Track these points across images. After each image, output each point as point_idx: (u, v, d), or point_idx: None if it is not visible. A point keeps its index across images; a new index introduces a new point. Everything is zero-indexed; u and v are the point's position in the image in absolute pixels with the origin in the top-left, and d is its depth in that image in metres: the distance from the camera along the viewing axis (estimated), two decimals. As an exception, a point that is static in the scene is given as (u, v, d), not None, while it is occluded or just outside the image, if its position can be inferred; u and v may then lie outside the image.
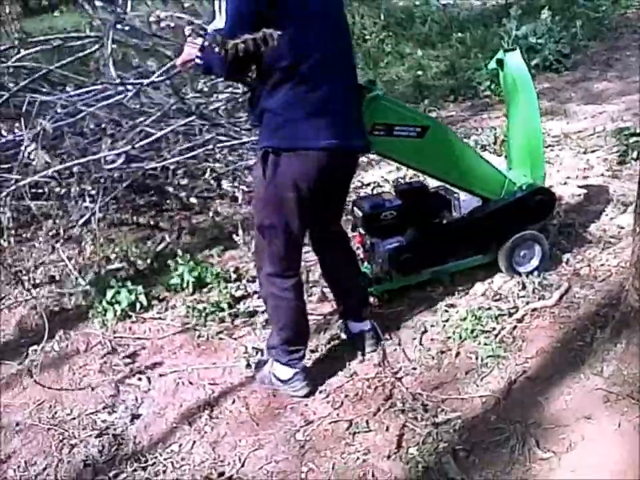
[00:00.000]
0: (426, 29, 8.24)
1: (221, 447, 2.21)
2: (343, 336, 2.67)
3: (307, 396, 2.38)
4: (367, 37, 7.81)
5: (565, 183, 4.00)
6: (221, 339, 2.81)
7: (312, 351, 2.61)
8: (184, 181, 4.43)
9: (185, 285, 3.14)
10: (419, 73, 6.72)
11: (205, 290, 3.14)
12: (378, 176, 4.33)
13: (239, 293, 3.10)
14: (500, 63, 3.02)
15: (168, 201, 4.28)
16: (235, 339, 2.80)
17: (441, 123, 2.75)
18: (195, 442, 2.24)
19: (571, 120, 5.16)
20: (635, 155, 4.17)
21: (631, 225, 3.38)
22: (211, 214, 4.14)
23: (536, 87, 3.12)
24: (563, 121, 5.15)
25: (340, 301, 2.64)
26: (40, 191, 3.78)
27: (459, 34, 7.82)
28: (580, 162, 4.29)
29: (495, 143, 4.59)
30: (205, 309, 2.95)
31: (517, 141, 3.10)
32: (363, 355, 2.57)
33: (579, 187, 3.93)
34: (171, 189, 4.24)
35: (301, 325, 2.41)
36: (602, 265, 3.06)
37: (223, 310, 2.94)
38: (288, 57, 2.04)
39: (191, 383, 2.54)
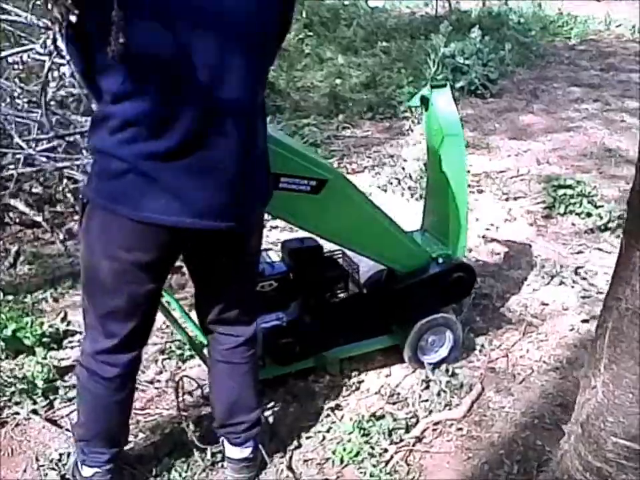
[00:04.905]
0: (350, 32, 7.67)
1: None
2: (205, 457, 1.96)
3: None
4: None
5: (484, 236, 3.48)
6: (24, 435, 2.07)
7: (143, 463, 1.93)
8: (36, 189, 3.63)
9: (-10, 349, 2.37)
10: (337, 81, 6.12)
11: (21, 356, 2.38)
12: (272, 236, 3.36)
13: (65, 362, 2.37)
14: (424, 101, 2.41)
15: (10, 214, 3.45)
16: (45, 435, 2.07)
17: (343, 176, 2.09)
18: None
19: (493, 156, 4.69)
20: (562, 209, 3.72)
21: (556, 302, 2.92)
22: (61, 236, 3.36)
23: (459, 112, 2.46)
24: (485, 156, 4.67)
25: (219, 416, 1.88)
26: None
27: (384, 43, 7.29)
28: (501, 211, 3.80)
29: (411, 178, 4.03)
30: (11, 385, 2.20)
31: (437, 202, 2.50)
32: None
33: (499, 243, 3.42)
34: (12, 201, 3.41)
35: (109, 424, 1.73)
36: (522, 356, 2.54)
37: (36, 388, 2.20)
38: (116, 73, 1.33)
39: (-43, 515, 1.80)
